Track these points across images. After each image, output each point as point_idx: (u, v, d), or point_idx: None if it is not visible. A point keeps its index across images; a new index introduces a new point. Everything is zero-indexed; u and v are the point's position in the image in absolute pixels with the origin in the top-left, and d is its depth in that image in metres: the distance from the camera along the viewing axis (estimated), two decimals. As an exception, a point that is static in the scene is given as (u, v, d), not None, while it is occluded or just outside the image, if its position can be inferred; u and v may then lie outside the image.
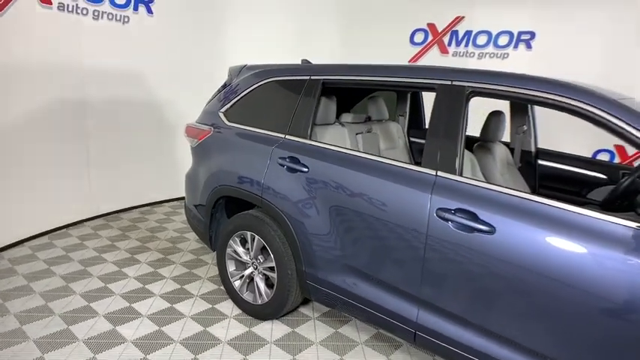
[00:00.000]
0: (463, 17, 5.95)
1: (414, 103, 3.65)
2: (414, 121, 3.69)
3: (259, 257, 2.74)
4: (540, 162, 3.18)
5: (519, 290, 1.73)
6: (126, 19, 4.39)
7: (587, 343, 1.61)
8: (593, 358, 1.60)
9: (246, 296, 2.83)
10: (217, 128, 2.96)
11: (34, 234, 3.87)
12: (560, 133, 4.52)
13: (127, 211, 4.70)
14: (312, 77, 2.59)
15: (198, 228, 3.12)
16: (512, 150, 3.19)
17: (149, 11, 4.58)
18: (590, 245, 1.58)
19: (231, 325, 2.73)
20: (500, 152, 2.89)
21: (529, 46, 5.67)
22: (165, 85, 4.76)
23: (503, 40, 5.81)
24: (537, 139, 3.23)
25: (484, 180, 2.33)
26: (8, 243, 3.65)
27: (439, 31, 6.07)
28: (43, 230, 3.95)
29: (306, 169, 2.41)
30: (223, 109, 2.99)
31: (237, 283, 2.88)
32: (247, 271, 2.81)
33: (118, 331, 2.58)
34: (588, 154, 5.08)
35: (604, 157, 5.34)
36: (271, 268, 2.65)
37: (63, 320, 2.66)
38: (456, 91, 2.03)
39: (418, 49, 6.18)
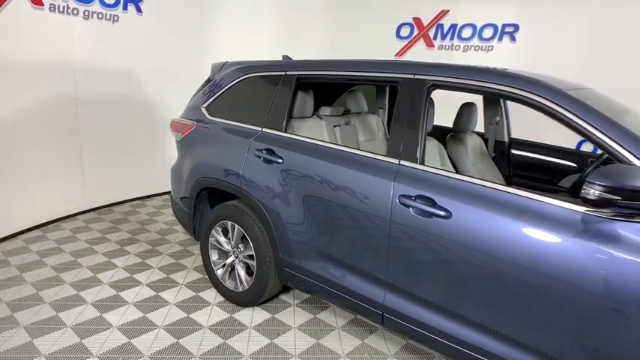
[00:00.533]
0: (448, 11, 6.03)
1: (393, 96, 3.74)
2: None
3: (240, 246, 2.85)
4: (514, 151, 3.28)
5: (475, 272, 1.84)
6: (116, 18, 4.48)
7: (539, 320, 1.71)
8: (546, 334, 1.70)
9: (228, 284, 2.95)
10: (200, 122, 3.07)
11: (27, 227, 3.99)
12: (546, 124, 4.62)
13: (119, 204, 4.82)
14: (287, 73, 2.69)
15: (183, 219, 3.23)
16: (486, 140, 3.29)
17: (138, 10, 4.67)
18: (539, 228, 1.68)
19: (213, 311, 2.85)
20: (472, 142, 2.99)
21: (513, 39, 5.73)
22: (155, 82, 4.86)
23: (487, 32, 5.88)
24: (510, 130, 3.33)
25: (448, 169, 2.43)
26: (2, 236, 3.77)
27: (424, 24, 6.15)
28: (37, 224, 4.07)
29: (280, 161, 2.52)
30: (205, 104, 3.09)
31: (219, 272, 2.99)
32: (229, 260, 2.93)
33: (104, 318, 2.70)
34: (573, 144, 5.17)
35: (588, 146, 5.43)
36: (251, 257, 2.76)
37: (52, 308, 2.79)
38: (417, 85, 2.13)
39: (404, 42, 6.26)
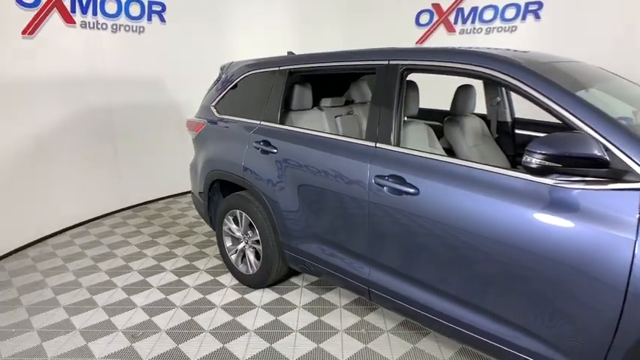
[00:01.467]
0: (468, -6, 5.94)
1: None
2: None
3: (248, 232, 3.07)
4: (517, 131, 3.27)
5: (443, 243, 1.93)
6: (141, 29, 4.85)
7: (500, 286, 1.79)
8: (509, 301, 1.78)
9: (241, 268, 3.18)
10: (209, 120, 3.32)
11: (73, 224, 4.44)
12: None
13: (153, 202, 5.21)
14: (281, 68, 2.87)
15: (201, 210, 3.50)
16: (489, 122, 3.31)
17: (162, 20, 5.02)
18: (497, 198, 1.75)
19: (227, 293, 3.09)
20: (471, 124, 3.02)
21: (537, 17, 5.58)
22: (181, 87, 5.19)
23: (510, 12, 5.74)
24: (513, 110, 3.31)
25: (436, 151, 2.50)
26: (52, 232, 4.23)
27: (444, 10, 6.09)
28: (81, 220, 4.52)
29: (275, 151, 2.71)
30: (214, 103, 3.34)
31: (233, 257, 3.23)
32: (240, 246, 3.16)
33: (131, 299, 3.02)
34: None
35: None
36: (257, 242, 2.98)
37: (88, 291, 3.14)
38: (391, 70, 2.24)
39: (424, 30, 6.23)
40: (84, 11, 4.32)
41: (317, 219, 2.53)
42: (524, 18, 5.64)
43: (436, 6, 6.10)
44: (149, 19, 4.90)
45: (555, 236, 1.59)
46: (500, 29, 5.80)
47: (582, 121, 1.60)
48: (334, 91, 3.65)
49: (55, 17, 4.08)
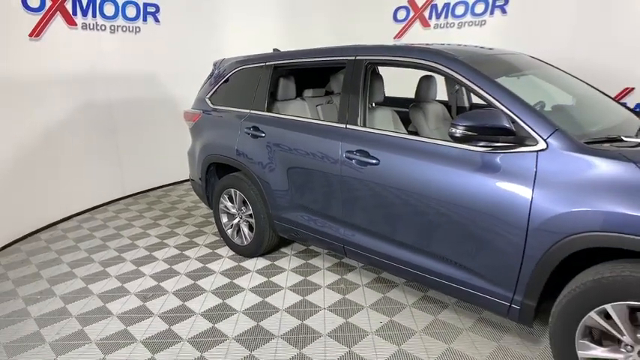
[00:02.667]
0: (441, -10, 6.38)
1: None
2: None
3: (242, 208, 3.51)
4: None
5: (399, 203, 2.39)
6: (138, 30, 5.23)
7: (444, 234, 2.26)
8: (453, 247, 2.24)
9: (236, 240, 3.62)
10: (205, 111, 3.74)
11: (80, 210, 4.84)
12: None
13: (153, 190, 5.62)
14: (267, 63, 3.30)
15: (199, 192, 3.93)
16: (450, 108, 3.77)
17: (156, 20, 5.40)
18: (440, 164, 2.21)
19: (225, 262, 3.54)
20: (433, 110, 3.47)
21: (504, 12, 6.03)
22: (176, 82, 5.58)
23: (479, 8, 6.19)
24: (470, 96, 3.78)
25: (400, 131, 2.95)
26: (61, 218, 4.63)
27: (419, 6, 6.52)
28: (87, 207, 4.92)
29: (263, 135, 3.14)
30: (208, 95, 3.76)
31: (229, 232, 3.67)
32: (235, 221, 3.60)
33: (140, 270, 3.45)
34: None
35: None
36: (250, 215, 3.42)
37: (100, 265, 3.56)
38: (358, 64, 2.68)
39: (401, 25, 6.68)
40: (84, 14, 4.69)
41: (300, 191, 2.97)
42: (492, 13, 6.11)
43: (412, 2, 6.55)
44: (144, 19, 5.29)
45: (483, 190, 2.05)
46: (470, 23, 6.26)
47: (497, 100, 2.06)
48: (317, 83, 4.08)
49: (59, 20, 4.45)
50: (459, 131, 1.99)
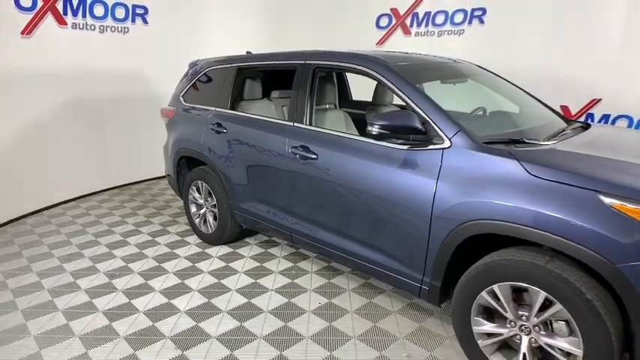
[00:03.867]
0: (422, 0, 6.65)
1: (340, 80, 4.51)
2: (343, 94, 4.55)
3: (208, 199, 3.79)
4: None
5: (332, 195, 2.66)
6: (126, 30, 5.53)
7: (369, 224, 2.52)
8: (375, 233, 2.51)
9: (203, 229, 3.90)
10: (178, 108, 4.02)
11: (66, 199, 5.13)
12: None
13: (137, 183, 5.91)
14: (232, 64, 3.58)
15: (172, 184, 4.21)
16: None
17: (144, 21, 5.70)
18: (367, 161, 2.47)
19: (191, 248, 3.81)
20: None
21: (482, 21, 6.29)
22: (161, 80, 5.85)
23: (458, 17, 6.45)
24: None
25: (352, 132, 3.22)
26: (47, 205, 4.92)
27: (401, 14, 6.79)
28: (73, 197, 5.21)
29: (225, 131, 3.42)
30: (182, 93, 4.04)
31: (197, 221, 3.94)
32: (202, 211, 3.87)
33: (112, 253, 3.73)
34: None
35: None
36: (215, 206, 3.69)
37: (77, 247, 3.85)
38: (306, 68, 2.96)
39: (383, 32, 6.95)
40: (75, 14, 5.00)
41: (255, 183, 3.25)
42: (470, 22, 6.37)
43: (394, 10, 6.82)
44: (133, 20, 5.59)
45: (398, 183, 2.32)
46: (450, 32, 6.52)
47: (413, 103, 2.33)
48: (287, 85, 4.34)
49: (50, 19, 4.76)
50: (374, 129, 2.26)
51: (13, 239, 4.07)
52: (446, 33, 6.60)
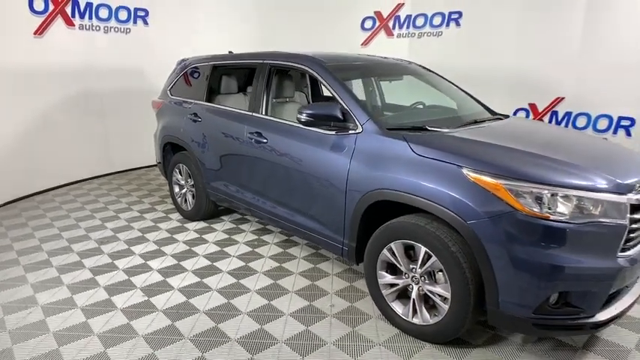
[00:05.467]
0: (403, 3, 7.10)
1: (312, 78, 4.98)
2: (316, 91, 5.02)
3: (188, 180, 4.33)
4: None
5: (277, 173, 3.17)
6: (128, 30, 6.11)
7: (304, 197, 3.02)
8: (308, 205, 3.01)
9: (184, 207, 4.44)
10: (166, 100, 4.58)
11: (72, 181, 5.74)
12: (490, 97, 5.81)
13: (135, 170, 6.50)
14: (209, 63, 4.11)
15: (160, 168, 4.77)
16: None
17: (145, 23, 6.28)
18: (302, 144, 2.97)
19: (172, 223, 4.35)
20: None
21: (458, 24, 6.72)
22: (160, 77, 6.35)
23: (437, 20, 6.89)
24: (383, 96, 4.48)
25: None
26: (54, 185, 5.53)
27: (384, 17, 7.25)
28: (77, 179, 5.82)
29: (200, 120, 3.96)
30: (169, 88, 4.59)
31: (179, 200, 4.49)
32: (183, 191, 4.42)
33: (104, 225, 4.30)
34: (510, 112, 6.19)
35: (521, 114, 6.36)
36: (193, 186, 4.23)
37: (75, 220, 4.43)
38: (265, 67, 3.47)
39: (368, 34, 7.41)
40: (82, 16, 5.59)
41: (221, 164, 3.77)
42: (447, 25, 6.80)
43: (378, 13, 7.28)
44: (134, 22, 6.17)
45: (324, 162, 2.81)
46: (429, 34, 6.97)
47: (338, 96, 2.82)
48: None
49: (59, 21, 5.36)
50: (302, 117, 2.76)
51: (21, 213, 4.68)
52: (425, 35, 7.04)
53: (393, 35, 7.28)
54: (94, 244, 3.87)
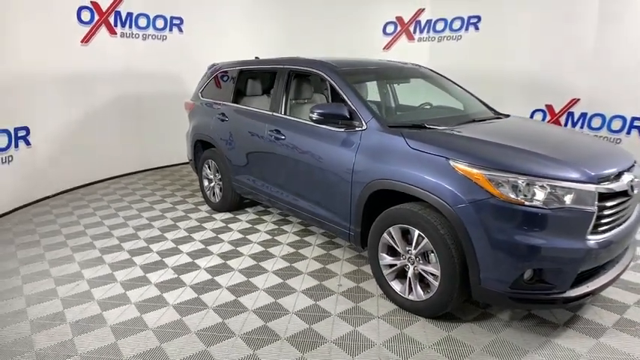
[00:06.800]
0: (424, 9, 7.36)
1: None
2: (335, 93, 5.34)
3: (216, 174, 4.75)
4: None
5: (295, 167, 3.52)
6: (164, 38, 6.64)
7: (318, 188, 3.36)
8: (320, 195, 3.34)
9: (212, 199, 4.87)
10: (197, 101, 5.02)
11: (112, 175, 6.30)
12: (508, 99, 6.10)
13: (170, 167, 7.02)
14: (236, 68, 4.52)
15: (191, 165, 5.22)
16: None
17: (180, 31, 6.79)
18: (316, 140, 3.32)
19: (201, 214, 4.78)
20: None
21: (477, 28, 6.94)
22: (193, 81, 6.83)
23: (456, 24, 7.12)
24: (397, 97, 4.77)
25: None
26: (97, 179, 6.09)
27: (405, 22, 7.51)
28: (118, 174, 6.37)
29: (227, 119, 4.37)
30: (200, 90, 5.04)
31: (207, 192, 4.92)
32: (212, 184, 4.85)
33: (140, 214, 4.77)
34: (527, 113, 6.38)
35: (538, 115, 6.52)
36: (220, 180, 4.65)
37: (115, 210, 4.93)
38: (284, 72, 3.84)
39: (389, 38, 7.69)
40: (123, 25, 6.14)
41: (245, 159, 4.16)
42: (467, 29, 7.02)
43: (399, 18, 7.56)
44: (170, 30, 6.68)
45: (334, 156, 3.14)
46: (449, 38, 7.21)
47: (346, 97, 3.15)
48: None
49: (103, 30, 5.91)
50: (314, 116, 3.10)
51: (68, 203, 5.23)
52: (445, 39, 7.27)
53: (414, 39, 7.53)
54: (132, 230, 4.33)
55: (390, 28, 7.73)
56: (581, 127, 6.04)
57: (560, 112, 6.30)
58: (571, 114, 6.18)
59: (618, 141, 5.62)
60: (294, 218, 4.50)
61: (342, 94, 3.22)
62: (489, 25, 6.82)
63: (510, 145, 2.61)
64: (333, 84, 3.31)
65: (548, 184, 2.28)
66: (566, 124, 6.22)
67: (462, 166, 2.43)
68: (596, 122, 5.86)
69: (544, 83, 6.36)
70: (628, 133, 5.50)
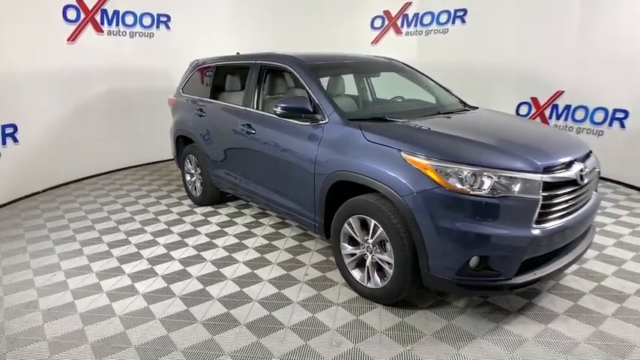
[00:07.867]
0: (411, 2, 7.37)
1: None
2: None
3: (197, 169, 4.84)
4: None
5: (264, 160, 3.60)
6: (151, 35, 6.72)
7: (285, 180, 3.44)
8: (288, 188, 3.42)
9: (193, 193, 4.97)
10: (178, 98, 5.11)
11: (101, 172, 6.41)
12: (494, 91, 6.35)
13: (159, 163, 7.13)
14: (214, 64, 4.60)
15: (175, 157, 5.32)
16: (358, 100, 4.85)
17: (167, 28, 6.87)
18: (282, 134, 3.40)
19: (183, 208, 4.88)
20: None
21: (463, 21, 6.96)
22: (180, 77, 7.01)
23: (443, 17, 7.14)
24: (374, 92, 4.82)
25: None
26: (87, 175, 6.21)
27: (393, 16, 7.54)
28: (106, 170, 6.49)
29: (204, 114, 4.45)
30: (182, 86, 5.13)
31: (189, 187, 5.02)
32: (193, 179, 4.94)
33: (125, 209, 4.88)
34: (514, 106, 6.41)
35: (524, 108, 6.54)
36: (200, 174, 4.74)
37: (100, 204, 5.04)
38: (256, 67, 3.91)
39: (377, 32, 7.72)
40: (109, 23, 6.23)
41: (220, 153, 4.25)
42: (453, 22, 7.04)
43: (387, 12, 7.58)
44: (157, 27, 6.77)
45: (298, 149, 3.22)
46: (436, 31, 7.23)
47: (310, 91, 3.22)
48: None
49: (89, 28, 6.00)
50: (278, 110, 3.18)
51: (55, 198, 5.35)
52: (432, 32, 7.30)
53: (401, 33, 7.56)
54: (114, 223, 4.44)
55: (377, 22, 7.75)
56: (565, 120, 6.06)
57: (545, 104, 6.32)
58: (555, 106, 6.21)
59: (601, 133, 5.64)
60: (273, 212, 4.58)
61: (306, 87, 3.29)
62: (475, 18, 6.84)
63: (461, 137, 2.67)
64: (299, 78, 3.38)
65: (493, 174, 2.33)
66: (550, 117, 6.25)
67: (411, 157, 2.50)
68: (580, 114, 5.88)
69: (529, 75, 6.38)
70: (610, 124, 5.52)
